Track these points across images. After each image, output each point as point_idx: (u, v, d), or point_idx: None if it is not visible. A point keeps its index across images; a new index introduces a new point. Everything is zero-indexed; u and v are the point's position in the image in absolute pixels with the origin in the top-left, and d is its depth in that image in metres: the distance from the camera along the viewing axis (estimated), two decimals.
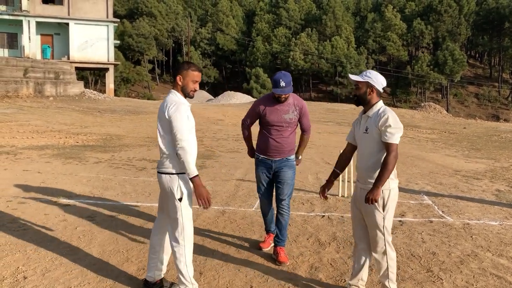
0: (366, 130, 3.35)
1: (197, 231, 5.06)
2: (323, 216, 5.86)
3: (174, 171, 3.28)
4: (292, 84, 4.17)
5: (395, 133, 3.21)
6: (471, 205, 6.69)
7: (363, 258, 3.51)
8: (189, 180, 3.30)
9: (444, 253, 4.60)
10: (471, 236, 5.18)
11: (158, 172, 3.37)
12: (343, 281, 3.86)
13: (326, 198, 3.68)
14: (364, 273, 3.54)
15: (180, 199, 3.28)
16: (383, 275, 3.45)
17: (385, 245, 3.36)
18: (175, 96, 3.30)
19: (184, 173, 3.28)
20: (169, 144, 3.27)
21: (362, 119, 3.44)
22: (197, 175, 3.22)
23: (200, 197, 3.24)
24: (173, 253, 3.36)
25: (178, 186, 3.28)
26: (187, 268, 3.35)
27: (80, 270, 3.90)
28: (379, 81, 3.36)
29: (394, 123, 3.21)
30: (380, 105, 3.37)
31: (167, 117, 3.20)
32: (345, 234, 5.13)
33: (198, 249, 4.49)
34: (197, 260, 4.21)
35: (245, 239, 4.85)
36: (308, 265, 4.19)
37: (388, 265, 3.40)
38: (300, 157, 4.45)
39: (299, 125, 4.43)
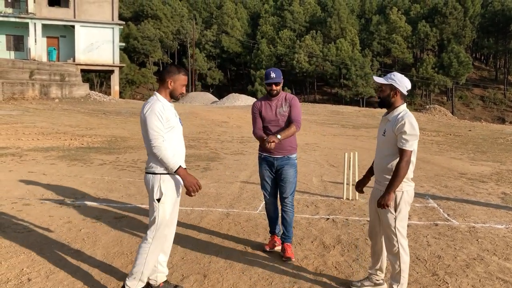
0: (384, 133, 3.40)
1: (201, 234, 5.06)
2: (328, 219, 5.84)
3: (156, 171, 3.31)
4: (282, 77, 4.39)
5: (410, 140, 3.23)
6: (477, 208, 6.64)
7: (377, 252, 3.65)
8: (173, 182, 3.33)
9: (449, 256, 4.56)
10: (477, 240, 5.14)
11: (145, 172, 3.41)
12: (347, 284, 3.84)
13: (362, 192, 3.88)
14: (383, 264, 3.67)
15: (159, 200, 3.30)
16: (394, 277, 3.48)
17: (398, 247, 3.38)
18: (154, 96, 3.38)
19: (167, 173, 3.30)
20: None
21: (382, 121, 3.49)
22: (179, 167, 3.25)
23: (190, 185, 3.28)
24: (139, 246, 3.37)
25: (158, 187, 3.30)
26: (144, 266, 3.32)
27: (84, 272, 3.90)
28: (403, 84, 3.37)
29: (410, 130, 3.23)
30: (401, 109, 3.37)
31: (142, 118, 3.29)
32: (349, 237, 5.11)
33: (202, 252, 4.48)
34: (201, 262, 4.21)
35: (249, 242, 4.84)
36: (313, 268, 4.17)
37: (400, 268, 3.41)
38: (279, 136, 4.12)
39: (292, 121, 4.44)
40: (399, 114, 3.33)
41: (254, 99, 45.41)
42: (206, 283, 3.77)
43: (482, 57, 78.92)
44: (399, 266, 3.40)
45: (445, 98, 64.66)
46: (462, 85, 62.15)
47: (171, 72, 3.38)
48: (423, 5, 69.65)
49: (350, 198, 6.96)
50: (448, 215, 6.22)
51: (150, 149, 3.26)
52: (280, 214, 4.56)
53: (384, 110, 3.53)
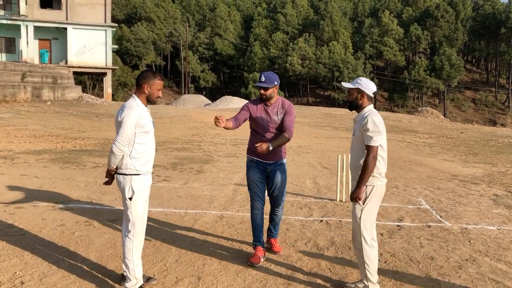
0: (354, 133, 3.65)
1: (195, 236, 5.06)
2: (321, 220, 5.86)
3: (127, 172, 3.52)
4: (275, 82, 4.21)
5: (373, 137, 3.45)
6: (469, 210, 6.70)
7: None
8: (143, 181, 3.56)
9: (442, 258, 4.60)
10: (469, 241, 5.19)
11: (117, 173, 3.59)
12: (341, 286, 3.86)
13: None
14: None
15: (131, 198, 3.53)
16: (361, 272, 3.62)
17: (360, 240, 3.53)
18: (132, 102, 3.54)
19: (137, 174, 3.53)
20: None
21: (353, 123, 3.73)
22: (110, 169, 3.59)
23: (106, 175, 3.70)
24: (123, 247, 3.56)
25: (129, 187, 3.53)
26: (134, 263, 3.53)
27: (77, 275, 3.88)
28: (369, 87, 3.63)
29: (372, 127, 3.45)
30: (367, 109, 3.63)
31: (119, 119, 3.45)
32: (343, 238, 5.13)
33: (196, 254, 4.48)
34: (195, 265, 4.21)
35: (243, 244, 4.84)
36: (307, 270, 4.18)
37: (364, 262, 3.54)
38: (271, 148, 3.99)
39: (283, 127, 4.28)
40: (364, 114, 3.58)
41: (248, 102, 45.54)
42: (201, 286, 3.77)
43: (474, 60, 79.55)
44: (363, 259, 3.53)
45: (437, 100, 65.08)
46: (454, 88, 62.58)
47: (147, 77, 3.56)
48: (415, 8, 70.09)
49: (344, 200, 6.99)
50: (440, 216, 6.27)
51: (113, 145, 3.46)
52: (269, 216, 4.61)
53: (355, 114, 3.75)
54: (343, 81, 3.96)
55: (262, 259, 4.31)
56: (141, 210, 3.57)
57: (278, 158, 4.36)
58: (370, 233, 3.53)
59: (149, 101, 3.60)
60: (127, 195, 3.52)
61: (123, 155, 3.49)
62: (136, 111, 3.45)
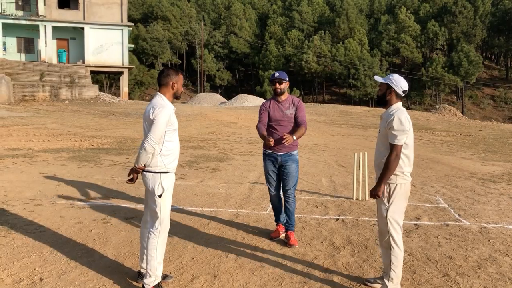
0: (380, 130, 3.62)
1: (211, 234, 5.07)
2: (338, 219, 5.82)
3: (156, 170, 3.54)
4: (286, 78, 4.80)
5: (398, 135, 3.42)
6: (488, 209, 6.59)
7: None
8: (171, 179, 3.60)
9: (461, 257, 4.53)
10: (489, 240, 5.10)
11: (144, 171, 3.59)
12: (358, 285, 3.83)
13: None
14: None
15: (160, 196, 3.55)
16: (385, 272, 3.57)
17: (389, 239, 3.49)
18: (161, 100, 3.58)
19: (166, 172, 3.56)
20: None
21: (380, 119, 3.69)
22: (138, 167, 3.56)
23: (132, 173, 3.62)
24: (147, 243, 3.58)
25: (159, 184, 3.55)
26: (156, 260, 3.56)
27: (95, 272, 3.93)
28: (399, 84, 3.58)
29: (397, 126, 3.42)
30: (394, 107, 3.57)
31: (151, 117, 3.47)
32: (359, 237, 5.09)
33: (212, 252, 4.49)
34: (211, 263, 4.22)
35: (259, 242, 4.84)
36: (323, 269, 4.16)
37: (391, 261, 3.50)
38: (294, 137, 4.56)
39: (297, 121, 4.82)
40: (391, 111, 3.54)
41: (263, 100, 45.55)
42: (216, 284, 3.78)
43: (493, 56, 78.17)
44: (390, 258, 3.49)
45: (455, 97, 64.14)
46: (472, 85, 61.62)
47: (172, 74, 3.63)
48: (432, 4, 69.08)
49: (360, 199, 6.94)
50: (459, 215, 6.18)
51: (143, 142, 3.46)
52: (283, 205, 4.98)
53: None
54: (376, 75, 3.92)
55: (282, 234, 4.93)
56: (169, 207, 3.62)
57: (288, 150, 4.77)
58: (398, 233, 3.49)
59: (176, 97, 3.68)
60: (157, 193, 3.54)
61: (152, 153, 3.52)
62: (167, 109, 3.51)
